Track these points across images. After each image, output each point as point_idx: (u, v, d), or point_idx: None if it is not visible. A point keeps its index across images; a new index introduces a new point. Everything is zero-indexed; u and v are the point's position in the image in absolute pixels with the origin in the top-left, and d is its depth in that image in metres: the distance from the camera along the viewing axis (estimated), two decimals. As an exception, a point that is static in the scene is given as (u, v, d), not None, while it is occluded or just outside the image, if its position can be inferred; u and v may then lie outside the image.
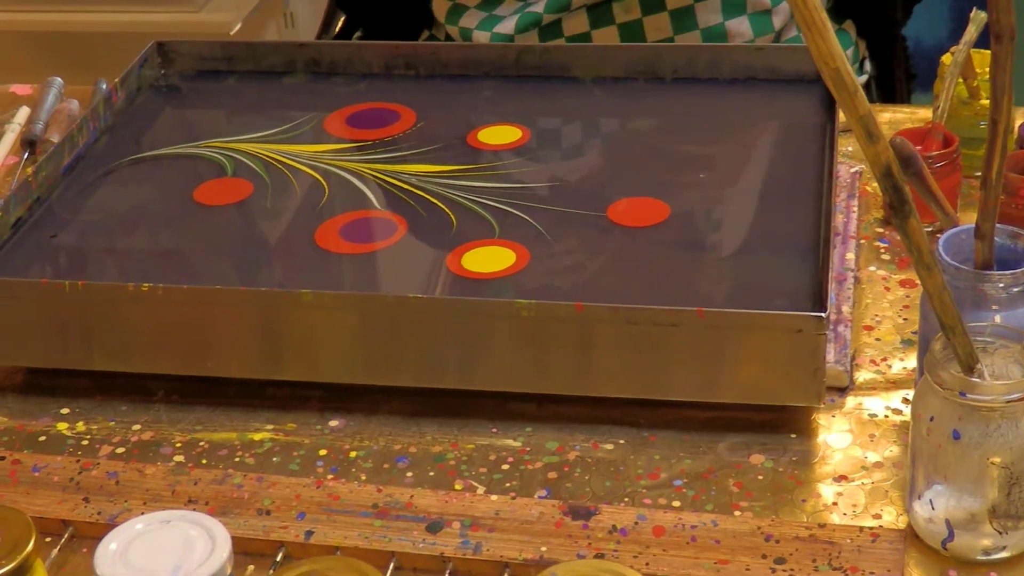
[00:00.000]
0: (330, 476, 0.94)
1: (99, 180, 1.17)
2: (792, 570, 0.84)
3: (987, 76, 0.81)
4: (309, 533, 0.89)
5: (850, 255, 1.09)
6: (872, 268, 1.10)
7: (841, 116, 1.11)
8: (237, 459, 0.97)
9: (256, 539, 0.89)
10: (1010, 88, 0.80)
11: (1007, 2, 0.75)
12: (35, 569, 0.78)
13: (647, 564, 0.85)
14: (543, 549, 0.87)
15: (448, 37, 1.47)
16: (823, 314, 0.91)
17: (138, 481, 0.94)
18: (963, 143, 1.13)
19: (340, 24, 1.72)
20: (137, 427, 1.00)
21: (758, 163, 1.16)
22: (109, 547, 0.77)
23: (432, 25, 1.51)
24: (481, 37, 1.42)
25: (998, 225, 0.87)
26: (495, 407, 0.99)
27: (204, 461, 0.97)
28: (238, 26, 2.25)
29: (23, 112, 1.40)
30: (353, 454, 0.96)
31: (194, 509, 0.90)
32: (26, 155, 1.33)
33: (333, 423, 0.99)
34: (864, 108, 0.72)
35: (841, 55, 0.70)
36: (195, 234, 1.11)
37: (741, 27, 1.40)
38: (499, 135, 1.20)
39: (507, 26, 1.41)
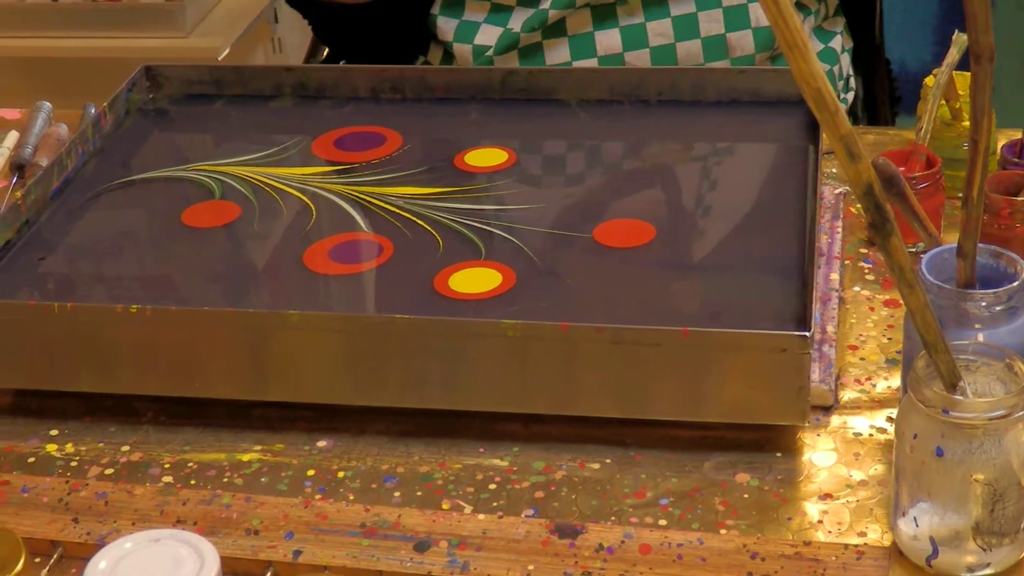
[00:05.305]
0: (318, 496, 0.95)
1: (87, 203, 1.18)
2: (777, 587, 0.85)
3: (969, 98, 0.81)
4: (297, 552, 0.90)
5: (834, 275, 1.10)
6: (856, 288, 1.11)
7: (825, 138, 1.12)
8: (225, 479, 0.97)
9: (244, 558, 0.89)
10: (990, 108, 0.80)
11: (986, 23, 0.76)
12: (24, 589, 0.78)
13: (633, 582, 0.86)
14: (530, 568, 0.87)
15: (446, 55, 1.47)
16: (807, 333, 0.91)
17: (127, 502, 0.95)
18: (946, 164, 1.14)
19: (327, 49, 1.73)
20: (126, 448, 1.00)
21: (743, 184, 1.16)
22: (98, 566, 0.78)
23: (427, 51, 1.51)
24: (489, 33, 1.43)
25: (980, 244, 0.88)
26: (482, 427, 0.99)
27: (192, 482, 0.97)
28: (226, 51, 2.26)
29: (12, 136, 1.41)
30: (341, 474, 0.97)
31: (182, 529, 0.90)
32: (15, 179, 1.33)
33: (321, 443, 1.00)
34: (845, 128, 0.72)
35: (822, 75, 0.70)
36: (183, 256, 1.11)
37: (743, 41, 1.41)
38: (485, 157, 1.21)
39: (515, 23, 1.42)
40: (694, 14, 1.39)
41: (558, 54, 1.42)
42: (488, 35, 1.43)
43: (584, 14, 1.41)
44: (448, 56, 1.47)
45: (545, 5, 1.40)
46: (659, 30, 1.40)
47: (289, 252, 1.10)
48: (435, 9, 1.46)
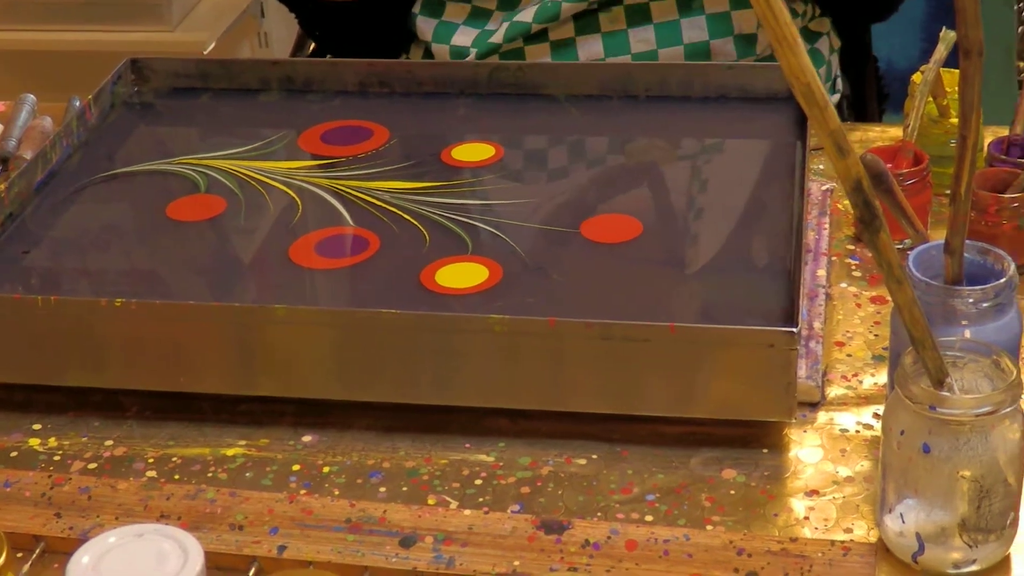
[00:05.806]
0: (303, 491, 0.94)
1: (72, 196, 1.17)
2: (764, 584, 0.85)
3: (956, 95, 0.81)
4: (282, 548, 0.89)
5: (821, 272, 1.10)
6: (843, 285, 1.11)
7: (812, 133, 1.12)
8: (210, 474, 0.96)
9: (229, 554, 0.89)
10: (978, 104, 0.80)
11: (975, 17, 0.76)
12: (7, 583, 0.78)
13: (620, 578, 0.86)
14: (516, 563, 0.87)
15: (427, 54, 1.47)
16: (794, 329, 0.91)
17: (110, 496, 0.94)
18: (933, 161, 1.14)
19: (314, 43, 1.72)
20: (110, 443, 1.00)
21: (730, 180, 1.16)
22: (81, 560, 0.77)
23: (409, 49, 1.51)
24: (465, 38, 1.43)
25: (967, 241, 0.88)
26: (468, 422, 0.99)
27: (177, 476, 0.96)
28: (212, 45, 2.25)
29: (-4, 129, 1.40)
30: (326, 469, 0.96)
31: (166, 524, 0.89)
32: (-1, 171, 1.33)
33: (306, 438, 0.99)
34: (834, 123, 0.72)
35: (812, 70, 0.70)
36: (168, 250, 1.11)
37: (726, 47, 1.41)
38: (473, 152, 1.20)
39: (494, 27, 1.42)
40: (676, 21, 1.39)
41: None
42: (466, 36, 1.43)
43: (567, 23, 1.40)
44: (429, 55, 1.47)
45: (527, 18, 1.40)
46: (641, 37, 1.40)
47: (275, 246, 1.09)
48: (416, 8, 1.46)
